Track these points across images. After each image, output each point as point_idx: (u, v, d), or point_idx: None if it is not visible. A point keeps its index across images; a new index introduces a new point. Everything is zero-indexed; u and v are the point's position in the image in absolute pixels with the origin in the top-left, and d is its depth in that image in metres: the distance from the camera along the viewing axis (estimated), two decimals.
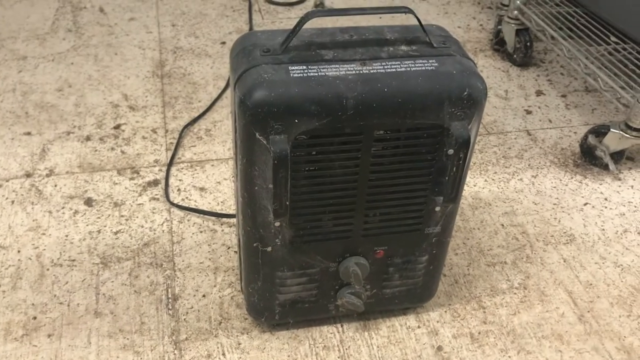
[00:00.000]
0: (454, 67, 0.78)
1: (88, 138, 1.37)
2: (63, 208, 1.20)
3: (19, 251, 1.11)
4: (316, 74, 0.75)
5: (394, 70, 0.76)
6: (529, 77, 1.67)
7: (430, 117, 0.77)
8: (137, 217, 1.19)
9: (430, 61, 0.78)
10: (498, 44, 1.76)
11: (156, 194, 1.24)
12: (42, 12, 1.84)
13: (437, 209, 0.88)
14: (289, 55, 0.77)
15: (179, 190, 1.26)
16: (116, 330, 0.99)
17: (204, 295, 1.05)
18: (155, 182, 1.27)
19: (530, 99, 1.59)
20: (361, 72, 0.76)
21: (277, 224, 0.84)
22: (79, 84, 1.54)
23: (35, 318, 1.00)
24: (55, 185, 1.25)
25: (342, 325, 1.02)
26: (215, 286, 1.07)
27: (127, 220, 1.18)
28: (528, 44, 1.66)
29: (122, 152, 1.34)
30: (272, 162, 0.74)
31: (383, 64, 0.77)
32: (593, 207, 1.27)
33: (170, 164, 1.31)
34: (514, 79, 1.66)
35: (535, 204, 1.27)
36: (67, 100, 1.49)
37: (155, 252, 1.12)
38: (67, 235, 1.14)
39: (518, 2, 1.65)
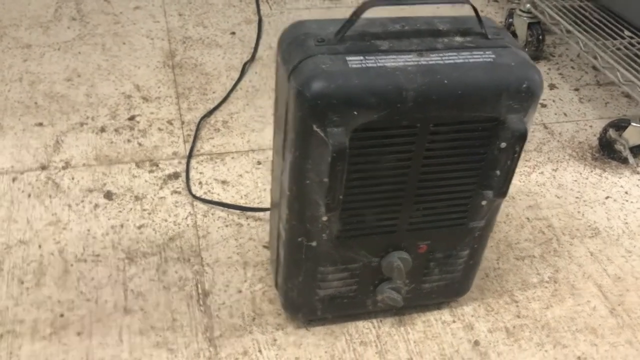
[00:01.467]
0: (511, 59, 0.77)
1: (103, 129, 1.34)
2: (82, 202, 1.16)
3: (40, 246, 1.07)
4: (375, 65, 0.73)
5: (452, 61, 0.75)
6: (541, 71, 1.67)
7: (488, 109, 0.76)
8: (160, 210, 1.16)
9: (487, 53, 0.77)
10: None
11: (177, 187, 1.21)
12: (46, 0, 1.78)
13: (484, 202, 0.87)
14: (344, 45, 0.75)
15: (200, 183, 1.23)
16: (147, 327, 0.97)
17: (238, 291, 1.02)
18: (175, 175, 1.24)
19: (544, 92, 1.59)
20: (419, 63, 0.74)
21: (325, 218, 0.82)
22: (88, 74, 1.50)
23: (62, 315, 0.97)
24: (73, 178, 1.21)
25: (377, 321, 1.00)
26: (245, 281, 1.05)
27: (149, 214, 1.15)
28: (540, 37, 1.66)
29: (139, 144, 1.31)
30: (331, 156, 0.73)
31: (440, 55, 0.76)
32: (615, 200, 1.28)
33: (189, 157, 1.28)
34: None
35: (558, 197, 1.27)
36: (77, 90, 1.44)
37: (182, 247, 1.09)
38: (89, 230, 1.11)
39: None
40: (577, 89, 1.62)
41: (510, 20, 1.73)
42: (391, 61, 0.74)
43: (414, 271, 0.93)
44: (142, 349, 0.94)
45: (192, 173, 1.25)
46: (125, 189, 1.20)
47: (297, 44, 0.76)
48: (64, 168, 1.23)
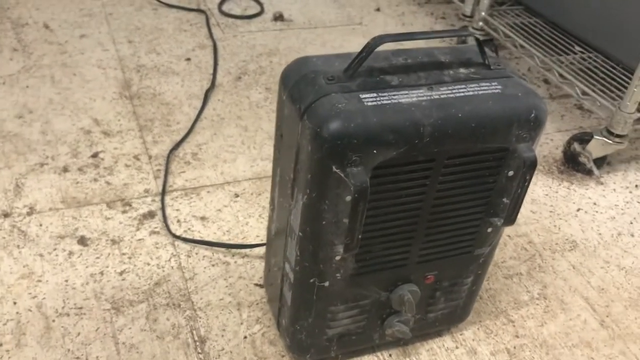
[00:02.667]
0: (517, 89, 0.77)
1: (65, 169, 1.26)
2: (55, 250, 1.09)
3: (15, 303, 0.99)
4: (389, 102, 0.72)
5: (462, 94, 0.75)
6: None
7: (499, 140, 0.76)
8: (141, 254, 1.10)
9: (494, 84, 0.77)
10: None
11: (155, 227, 1.15)
12: None
13: (490, 230, 0.87)
14: (356, 82, 0.74)
15: (178, 221, 1.17)
16: None
17: (236, 335, 0.98)
18: (151, 214, 1.18)
19: None
20: (432, 97, 0.73)
21: (339, 257, 0.80)
22: (40, 109, 1.41)
23: None
24: (41, 225, 1.13)
25: (383, 354, 0.99)
26: (242, 324, 1.00)
27: (130, 258, 1.09)
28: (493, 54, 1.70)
29: (107, 182, 1.24)
30: (352, 196, 0.71)
31: (450, 88, 0.75)
32: (585, 212, 1.32)
33: (163, 193, 1.22)
34: None
35: (533, 212, 1.30)
36: (31, 127, 1.36)
37: (170, 291, 1.04)
38: (67, 280, 1.04)
39: (483, 13, 1.69)
40: None
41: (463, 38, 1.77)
42: (404, 97, 0.73)
43: (420, 302, 0.92)
44: None
45: (168, 211, 1.19)
46: (99, 232, 1.13)
47: (306, 82, 0.74)
48: (29, 214, 1.15)
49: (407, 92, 0.74)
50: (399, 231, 0.81)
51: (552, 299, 1.11)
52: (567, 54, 1.57)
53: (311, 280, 0.82)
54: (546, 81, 1.75)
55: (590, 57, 1.57)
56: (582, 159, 1.40)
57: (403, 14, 2.05)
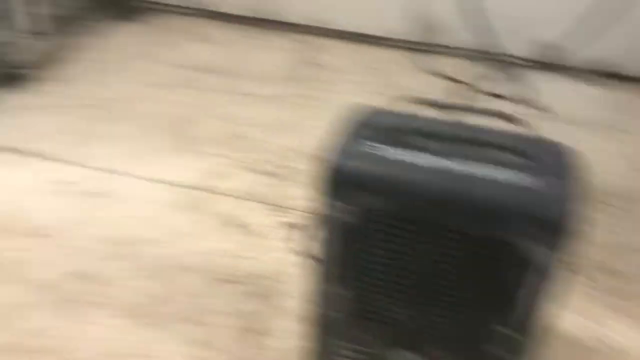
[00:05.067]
0: (547, 188, 0.73)
1: (264, 172, 1.53)
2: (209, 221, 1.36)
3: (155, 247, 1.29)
4: (404, 160, 0.77)
5: (483, 175, 0.74)
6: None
7: (507, 231, 0.73)
8: (267, 250, 1.29)
9: (527, 176, 0.74)
10: None
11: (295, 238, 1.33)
12: (280, 61, 2.06)
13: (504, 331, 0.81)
14: (390, 137, 0.80)
15: None
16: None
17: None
18: (300, 227, 1.36)
19: None
20: (450, 168, 0.75)
21: (341, 292, 0.85)
22: (294, 122, 1.72)
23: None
24: (214, 203, 1.41)
25: None
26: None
27: (256, 247, 1.29)
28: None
29: (282, 190, 1.46)
30: (334, 230, 0.78)
31: (475, 166, 0.76)
32: None
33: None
34: None
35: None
36: (261, 135, 1.66)
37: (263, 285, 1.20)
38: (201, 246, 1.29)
39: None
40: None
41: None
42: (422, 160, 0.76)
43: None
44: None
45: None
46: (257, 224, 1.36)
47: (356, 125, 0.84)
48: (212, 192, 1.44)
49: (429, 157, 0.77)
50: (395, 288, 0.82)
51: None
52: None
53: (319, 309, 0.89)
54: None
55: None
56: None
57: None
